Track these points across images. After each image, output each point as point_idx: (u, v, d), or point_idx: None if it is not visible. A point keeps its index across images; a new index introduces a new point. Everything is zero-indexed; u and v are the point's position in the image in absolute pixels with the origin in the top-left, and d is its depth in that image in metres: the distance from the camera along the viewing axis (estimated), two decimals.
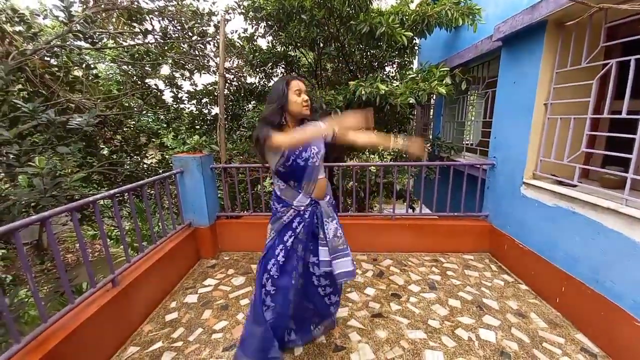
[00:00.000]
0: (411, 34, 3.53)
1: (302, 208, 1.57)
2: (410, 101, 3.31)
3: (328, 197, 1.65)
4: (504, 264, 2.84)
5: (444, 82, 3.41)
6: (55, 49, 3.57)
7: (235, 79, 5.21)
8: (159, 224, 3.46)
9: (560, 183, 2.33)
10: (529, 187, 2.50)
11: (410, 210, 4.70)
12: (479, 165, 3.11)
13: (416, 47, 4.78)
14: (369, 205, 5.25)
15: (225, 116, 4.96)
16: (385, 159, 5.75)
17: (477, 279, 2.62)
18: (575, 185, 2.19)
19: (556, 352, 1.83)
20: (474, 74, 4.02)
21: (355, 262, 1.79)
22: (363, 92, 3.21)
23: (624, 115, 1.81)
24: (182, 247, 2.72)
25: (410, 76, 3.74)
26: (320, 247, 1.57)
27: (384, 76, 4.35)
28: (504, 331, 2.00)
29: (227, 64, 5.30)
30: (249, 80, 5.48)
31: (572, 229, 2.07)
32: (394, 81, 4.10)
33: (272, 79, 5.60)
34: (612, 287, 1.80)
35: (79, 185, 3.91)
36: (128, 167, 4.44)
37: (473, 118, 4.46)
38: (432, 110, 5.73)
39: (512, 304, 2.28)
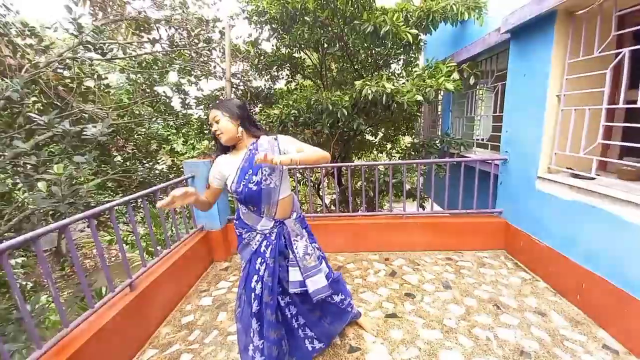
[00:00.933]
0: (416, 31, 3.50)
1: (267, 231, 1.51)
2: (418, 98, 3.28)
3: (295, 214, 1.57)
4: (520, 261, 2.78)
5: (451, 77, 3.37)
6: (67, 60, 3.68)
7: (241, 83, 5.27)
8: (172, 228, 3.51)
9: (576, 176, 2.27)
10: (544, 181, 2.45)
11: (421, 209, 4.67)
12: (490, 161, 3.07)
13: (422, 44, 4.74)
14: (379, 204, 5.22)
15: None
16: (393, 157, 5.70)
17: (493, 277, 2.58)
18: (592, 178, 2.14)
19: (578, 350, 1.79)
20: (482, 68, 3.96)
21: (333, 272, 1.77)
22: (369, 92, 3.21)
23: (639, 104, 1.76)
24: (195, 251, 2.76)
25: (416, 73, 3.71)
26: (290, 268, 1.52)
27: (390, 74, 4.32)
28: (523, 330, 1.96)
29: (233, 69, 5.35)
30: (255, 83, 5.53)
31: (591, 223, 2.01)
32: (400, 79, 4.07)
33: (277, 81, 5.65)
34: (634, 282, 1.75)
35: (95, 192, 4.01)
36: (141, 173, 4.54)
37: (483, 113, 4.39)
38: (440, 107, 5.67)
39: (530, 302, 2.23)
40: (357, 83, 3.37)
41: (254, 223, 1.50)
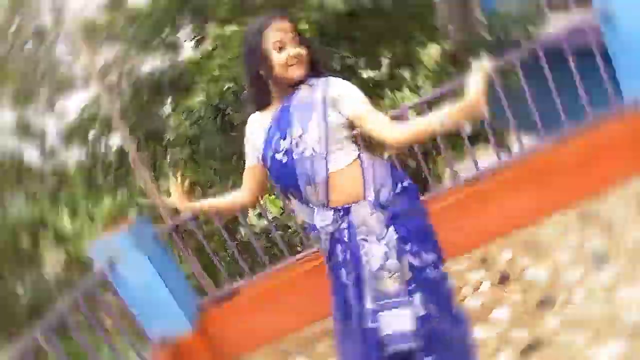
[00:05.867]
0: None
1: (332, 229, 1.63)
2: None
3: (370, 198, 1.60)
4: None
5: None
6: None
7: (123, 77, 5.28)
8: None
9: None
10: None
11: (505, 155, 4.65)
12: (585, 28, 3.08)
13: None
14: (432, 174, 5.24)
15: (137, 142, 5.04)
16: (422, 90, 5.80)
17: None
18: None
19: None
20: None
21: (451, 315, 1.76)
22: None
23: None
24: None
25: None
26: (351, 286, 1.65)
27: None
28: None
29: (101, 58, 5.36)
30: (145, 67, 5.55)
31: None
32: None
33: (179, 49, 5.68)
34: None
35: None
36: (25, 297, 4.55)
37: None
38: None
39: None
40: None
41: (310, 219, 1.69)
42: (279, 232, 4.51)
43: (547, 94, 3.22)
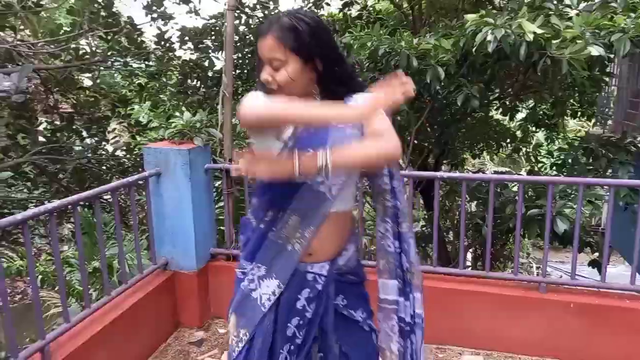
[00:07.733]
0: None
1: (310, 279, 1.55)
2: (592, 53, 3.23)
3: (350, 250, 1.62)
4: None
5: None
6: None
7: (258, 6, 5.57)
8: (116, 263, 3.82)
9: None
10: None
11: (593, 271, 4.41)
12: None
13: None
14: (496, 256, 5.06)
15: (237, 73, 5.22)
16: (541, 165, 5.63)
17: None
18: None
19: None
20: None
21: None
22: (489, 37, 3.20)
23: None
24: (150, 304, 3.02)
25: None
26: None
27: (539, 1, 4.21)
28: None
29: None
30: (283, 4, 5.70)
31: None
32: (566, 10, 3.96)
33: (323, 2, 5.76)
34: None
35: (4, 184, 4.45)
36: (76, 155, 4.95)
37: None
38: None
39: None
40: (470, 18, 3.41)
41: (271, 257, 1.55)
42: None
43: None
